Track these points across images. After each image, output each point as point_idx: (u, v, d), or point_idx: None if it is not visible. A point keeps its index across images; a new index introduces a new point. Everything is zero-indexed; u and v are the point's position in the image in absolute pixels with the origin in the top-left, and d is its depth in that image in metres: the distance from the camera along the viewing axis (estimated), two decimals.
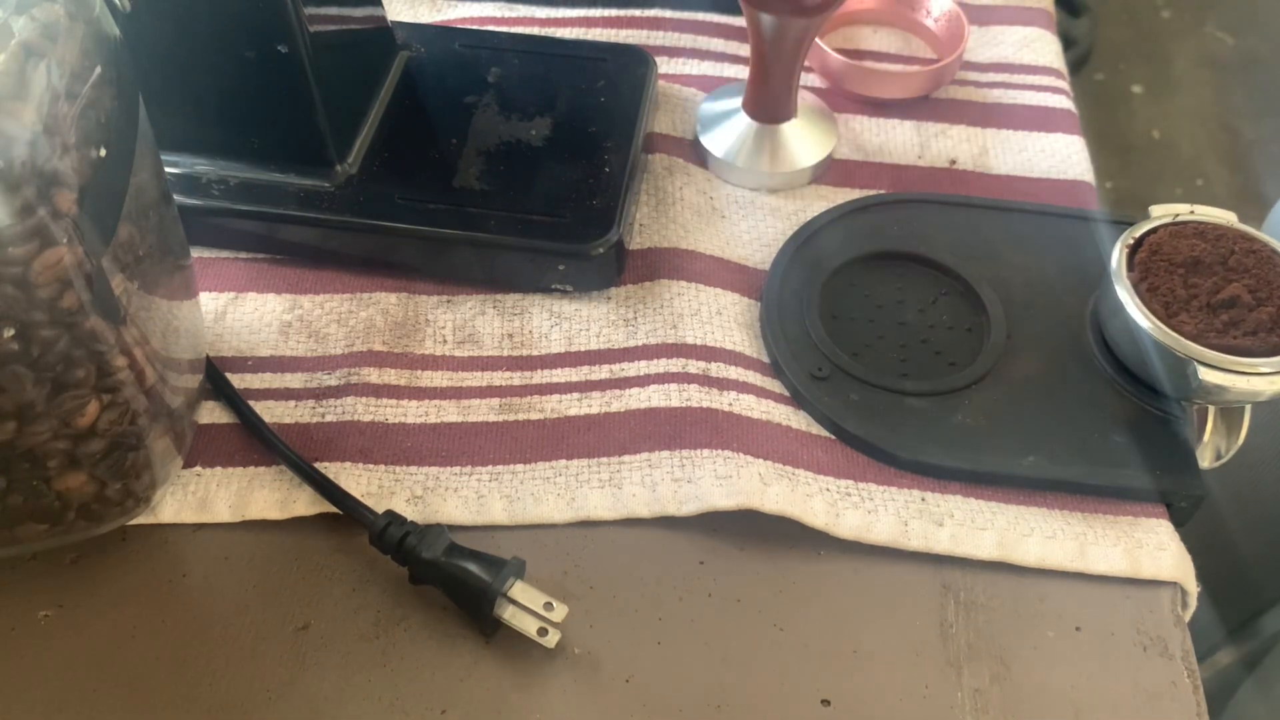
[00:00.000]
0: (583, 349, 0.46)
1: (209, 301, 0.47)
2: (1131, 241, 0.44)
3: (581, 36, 0.58)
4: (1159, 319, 0.41)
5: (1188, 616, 0.40)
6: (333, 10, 0.47)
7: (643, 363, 0.45)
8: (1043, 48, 0.58)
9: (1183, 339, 0.41)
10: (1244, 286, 0.42)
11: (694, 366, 0.45)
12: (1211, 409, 0.43)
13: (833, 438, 0.43)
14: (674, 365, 0.45)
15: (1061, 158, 0.53)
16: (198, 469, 0.42)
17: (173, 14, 0.43)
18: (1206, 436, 0.43)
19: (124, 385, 0.35)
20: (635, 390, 0.44)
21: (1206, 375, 0.40)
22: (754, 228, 0.50)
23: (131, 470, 0.38)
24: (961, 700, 0.37)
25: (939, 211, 0.49)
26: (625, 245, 0.48)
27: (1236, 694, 0.60)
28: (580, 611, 0.39)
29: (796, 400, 0.44)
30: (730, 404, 0.43)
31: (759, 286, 0.48)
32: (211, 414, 0.44)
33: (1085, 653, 0.38)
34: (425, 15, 0.59)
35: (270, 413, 0.44)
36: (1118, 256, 0.43)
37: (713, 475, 0.41)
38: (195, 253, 0.48)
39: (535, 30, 0.58)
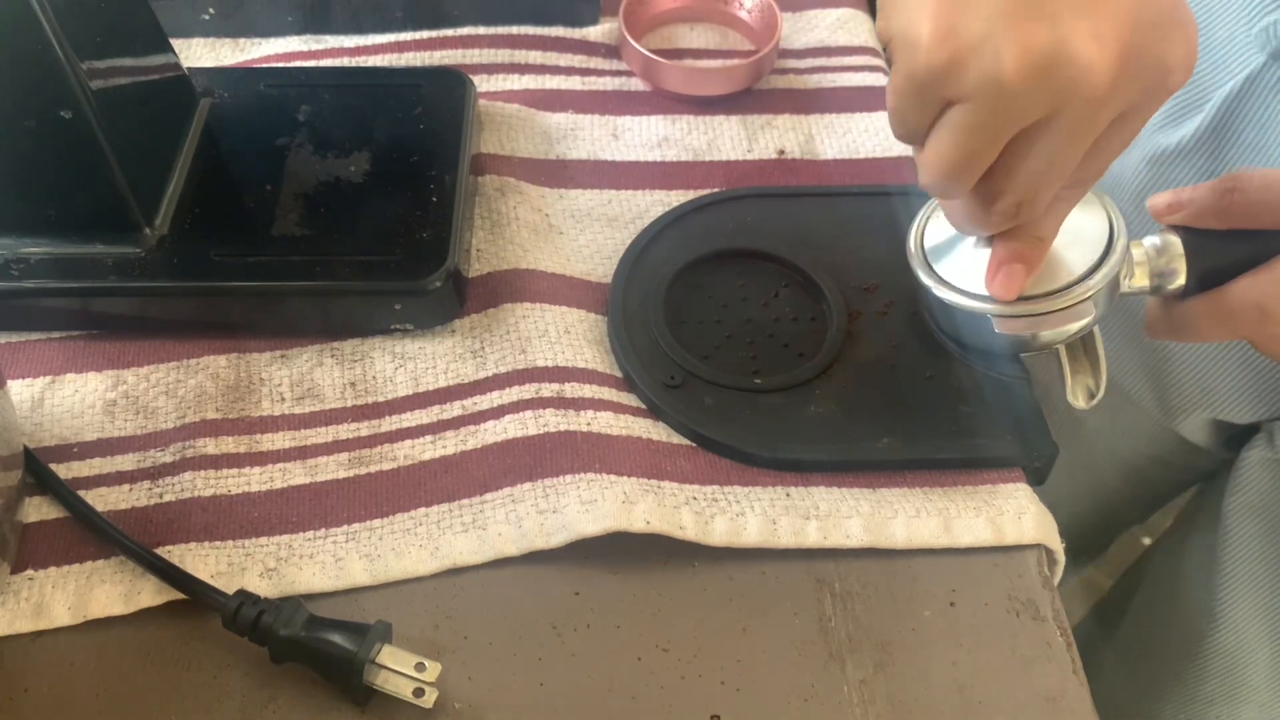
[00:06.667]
0: (431, 388, 0.45)
1: (22, 389, 0.44)
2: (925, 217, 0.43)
3: (394, 62, 0.56)
4: None
5: (1056, 576, 0.41)
6: (118, 65, 0.44)
7: (495, 394, 0.44)
8: (856, 27, 0.59)
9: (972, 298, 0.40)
10: None
11: (547, 390, 0.44)
12: (1061, 350, 0.43)
13: (693, 445, 0.43)
14: (527, 392, 0.44)
15: (884, 136, 0.53)
16: (29, 572, 0.39)
17: None
18: (1070, 379, 0.43)
19: None
20: (490, 424, 0.43)
21: (1002, 326, 0.40)
22: (593, 240, 0.50)
23: None
24: (848, 693, 0.37)
25: (770, 204, 0.49)
26: (463, 274, 0.47)
27: (1101, 672, 0.61)
28: (457, 664, 0.38)
29: (653, 412, 0.44)
30: (588, 424, 0.43)
31: (604, 300, 0.47)
32: (38, 510, 0.41)
33: (962, 627, 0.39)
34: (229, 57, 0.57)
35: (103, 500, 0.41)
36: (913, 233, 0.43)
37: (578, 501, 0.40)
38: (1, 338, 0.45)
39: (345, 61, 0.56)
